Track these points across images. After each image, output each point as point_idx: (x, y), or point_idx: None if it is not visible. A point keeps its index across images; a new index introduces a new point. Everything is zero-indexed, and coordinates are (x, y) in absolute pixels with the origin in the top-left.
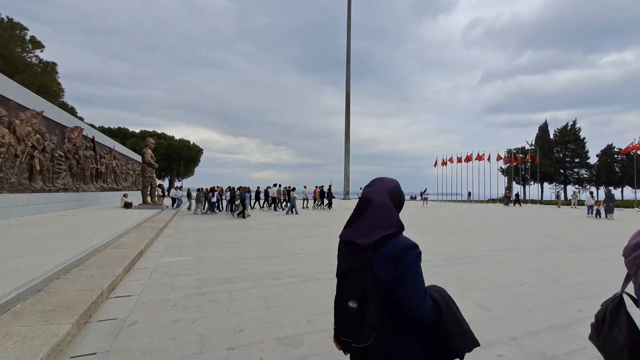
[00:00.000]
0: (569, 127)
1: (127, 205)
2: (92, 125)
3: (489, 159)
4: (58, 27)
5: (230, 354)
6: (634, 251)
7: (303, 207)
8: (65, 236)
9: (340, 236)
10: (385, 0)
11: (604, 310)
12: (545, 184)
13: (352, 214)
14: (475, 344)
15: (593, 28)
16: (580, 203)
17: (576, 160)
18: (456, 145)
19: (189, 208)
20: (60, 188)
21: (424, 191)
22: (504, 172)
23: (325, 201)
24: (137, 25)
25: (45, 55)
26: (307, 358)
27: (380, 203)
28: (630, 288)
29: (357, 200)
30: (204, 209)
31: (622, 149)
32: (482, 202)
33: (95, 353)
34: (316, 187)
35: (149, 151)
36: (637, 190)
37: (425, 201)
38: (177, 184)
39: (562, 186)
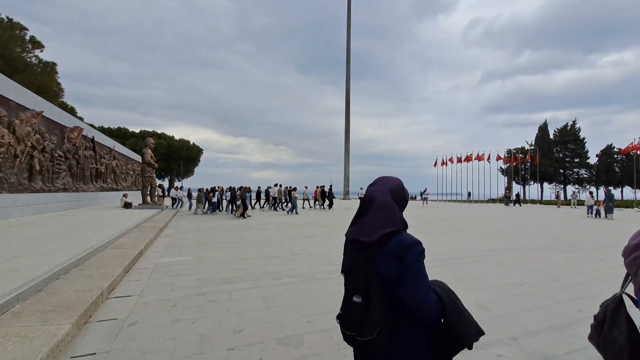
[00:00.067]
0: (568, 127)
1: (127, 205)
2: (91, 125)
3: (488, 159)
4: (58, 27)
5: (230, 354)
6: (633, 252)
7: (303, 207)
8: (65, 236)
9: (345, 234)
10: (385, 0)
11: (604, 311)
12: (545, 184)
13: (356, 212)
14: (481, 333)
15: (593, 28)
16: (580, 203)
17: (576, 160)
18: (456, 145)
19: (190, 208)
20: (60, 188)
21: (424, 191)
22: (503, 172)
23: (326, 201)
24: (137, 25)
25: (45, 55)
26: (307, 358)
27: (382, 202)
28: (630, 288)
29: (359, 199)
30: (204, 208)
31: (622, 149)
32: (481, 202)
33: (95, 353)
34: (317, 187)
35: (149, 151)
36: (637, 190)
37: (425, 201)
38: (176, 184)
39: (562, 186)
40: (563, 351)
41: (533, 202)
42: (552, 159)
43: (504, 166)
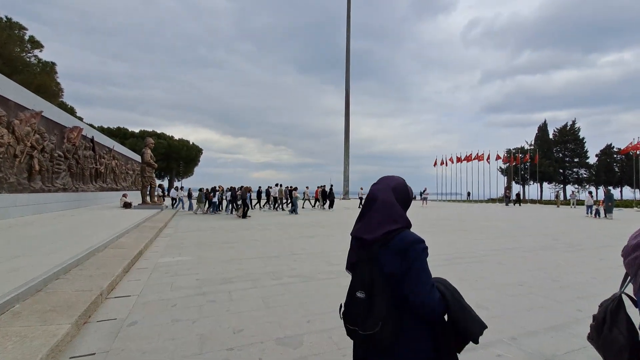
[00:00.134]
0: (568, 127)
1: (127, 205)
2: (91, 125)
3: (488, 159)
4: (58, 27)
5: (230, 354)
6: (633, 252)
7: (303, 207)
8: (65, 236)
9: (351, 233)
10: (385, 0)
11: (604, 311)
12: (545, 184)
13: (360, 211)
14: (483, 327)
15: (592, 28)
16: (580, 203)
17: (575, 160)
18: (455, 145)
19: (190, 208)
20: (60, 188)
21: (424, 191)
22: (503, 172)
23: (327, 201)
24: (137, 25)
25: (44, 55)
26: (307, 358)
27: (384, 200)
28: (629, 288)
29: (360, 199)
30: (205, 208)
31: (622, 148)
32: (481, 202)
33: (94, 353)
34: (318, 187)
35: (149, 151)
36: (636, 190)
37: (424, 201)
38: (176, 184)
39: (562, 186)
40: (563, 351)
41: (533, 202)
42: (551, 159)
43: (503, 166)
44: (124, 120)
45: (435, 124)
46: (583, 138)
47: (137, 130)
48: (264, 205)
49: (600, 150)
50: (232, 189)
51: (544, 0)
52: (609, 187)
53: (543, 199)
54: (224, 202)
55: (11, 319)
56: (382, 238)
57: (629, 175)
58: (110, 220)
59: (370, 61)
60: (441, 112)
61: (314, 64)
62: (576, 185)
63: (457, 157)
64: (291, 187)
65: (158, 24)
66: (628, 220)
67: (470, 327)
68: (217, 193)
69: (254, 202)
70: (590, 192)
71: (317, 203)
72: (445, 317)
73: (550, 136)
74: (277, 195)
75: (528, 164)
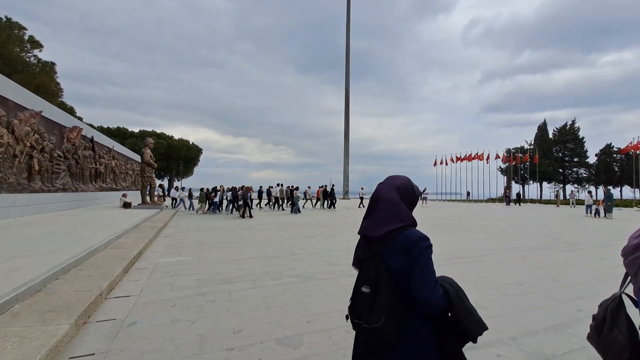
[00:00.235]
0: (568, 127)
1: (126, 205)
2: (91, 125)
3: (487, 158)
4: (58, 27)
5: (230, 355)
6: (633, 252)
7: (303, 207)
8: (64, 236)
9: (358, 232)
10: (385, 0)
11: (604, 311)
12: (545, 184)
13: (366, 210)
14: (484, 328)
15: (592, 28)
16: (579, 202)
17: (575, 159)
18: (455, 144)
19: (190, 208)
20: (59, 188)
21: (424, 191)
22: (503, 171)
23: (327, 201)
24: (137, 25)
25: (44, 55)
26: (307, 358)
27: (389, 199)
28: (629, 288)
29: (361, 199)
30: (206, 208)
31: (621, 148)
32: (481, 201)
33: (94, 354)
34: (319, 187)
35: (148, 151)
36: (636, 189)
37: (424, 201)
38: (176, 184)
39: (562, 185)
40: (563, 351)
41: (532, 201)
42: (551, 159)
43: (503, 166)
44: (124, 120)
45: (435, 124)
46: (583, 138)
47: (137, 130)
48: (265, 205)
49: (600, 150)
50: (233, 189)
51: (544, 0)
52: (609, 187)
53: (543, 198)
54: (225, 202)
55: (10, 319)
56: (386, 235)
57: (629, 174)
58: (110, 220)
59: (370, 61)
60: (441, 112)
61: (314, 64)
62: (576, 185)
63: (457, 157)
64: (292, 186)
65: (158, 24)
66: (628, 219)
67: (470, 327)
68: (219, 193)
69: (255, 202)
70: (589, 192)
71: (318, 203)
72: (449, 315)
73: (550, 136)
74: (278, 195)
75: (528, 163)
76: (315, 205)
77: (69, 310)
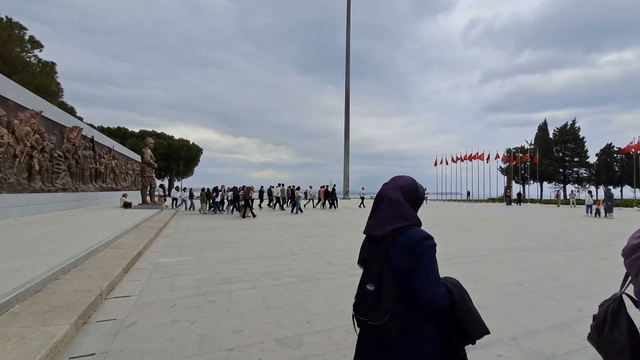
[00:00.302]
0: (568, 127)
1: (127, 205)
2: (91, 125)
3: (488, 158)
4: (58, 27)
5: (230, 355)
6: (634, 252)
7: (304, 207)
8: (64, 236)
9: (364, 231)
10: (385, 0)
11: (604, 311)
12: (545, 183)
13: (370, 210)
14: (486, 331)
15: (593, 28)
16: (580, 202)
17: (575, 159)
18: (455, 144)
19: (190, 208)
20: (60, 188)
21: (424, 190)
22: (503, 171)
23: (328, 201)
24: (137, 25)
25: (44, 55)
26: (307, 358)
27: (392, 199)
28: (630, 289)
29: (362, 199)
30: (208, 208)
31: (622, 148)
32: (481, 201)
33: (93, 354)
34: (321, 187)
35: (149, 151)
36: (637, 189)
37: (425, 200)
38: (176, 184)
39: (562, 185)
40: (563, 351)
41: (533, 201)
42: (551, 158)
43: (503, 165)
44: (124, 120)
45: (435, 124)
46: (583, 137)
47: (137, 130)
48: (268, 205)
49: (601, 150)
50: (234, 189)
51: (544, 0)
52: (609, 187)
53: (543, 198)
54: (226, 202)
55: (10, 319)
56: (390, 234)
57: (629, 174)
58: (110, 220)
59: (370, 61)
60: (441, 111)
61: (314, 64)
62: (576, 185)
63: (457, 157)
64: (293, 186)
65: (158, 24)
66: (628, 219)
67: (471, 328)
68: (220, 193)
69: (256, 202)
70: (590, 192)
71: (319, 203)
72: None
73: (550, 136)
74: (279, 195)
75: (528, 163)
76: (315, 205)
77: (68, 311)
